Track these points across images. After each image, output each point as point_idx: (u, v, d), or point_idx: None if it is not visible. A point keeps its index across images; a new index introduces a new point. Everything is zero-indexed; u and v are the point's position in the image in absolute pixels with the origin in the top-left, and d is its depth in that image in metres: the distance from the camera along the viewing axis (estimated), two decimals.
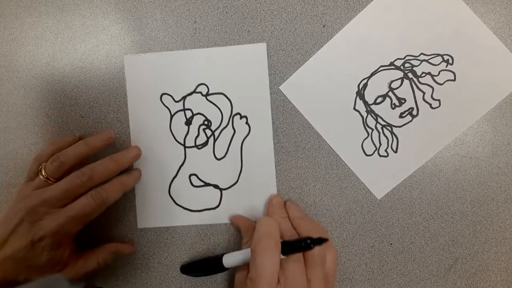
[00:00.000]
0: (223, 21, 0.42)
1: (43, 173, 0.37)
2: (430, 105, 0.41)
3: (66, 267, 0.37)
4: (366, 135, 0.41)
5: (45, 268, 0.36)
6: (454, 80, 0.41)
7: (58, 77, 0.43)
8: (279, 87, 0.42)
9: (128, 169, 0.41)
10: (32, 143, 0.43)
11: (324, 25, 0.42)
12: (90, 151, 0.39)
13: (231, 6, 0.42)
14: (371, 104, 0.41)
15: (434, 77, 0.41)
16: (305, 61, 0.42)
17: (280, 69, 0.42)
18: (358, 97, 0.41)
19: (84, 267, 0.38)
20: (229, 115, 0.42)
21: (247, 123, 0.42)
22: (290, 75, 0.42)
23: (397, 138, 0.41)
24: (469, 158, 0.41)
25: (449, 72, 0.41)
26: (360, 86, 0.41)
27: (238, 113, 0.42)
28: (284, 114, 0.42)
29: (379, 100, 0.41)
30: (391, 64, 0.41)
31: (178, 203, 0.42)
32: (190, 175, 0.42)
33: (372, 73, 0.41)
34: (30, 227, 0.35)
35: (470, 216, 0.41)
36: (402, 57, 0.41)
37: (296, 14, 0.42)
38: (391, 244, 0.41)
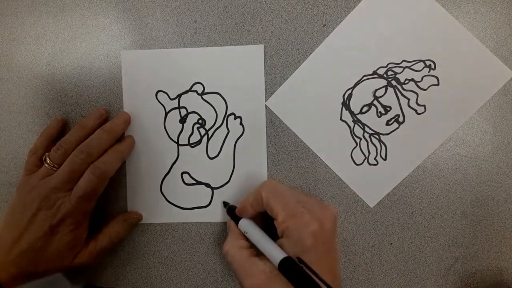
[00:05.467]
0: (223, 21, 0.42)
1: (49, 162, 0.38)
2: (416, 111, 0.41)
3: (82, 250, 0.38)
4: (355, 144, 0.42)
5: (64, 253, 0.37)
6: (438, 84, 0.41)
7: (58, 76, 0.43)
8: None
9: (121, 138, 0.41)
10: (33, 143, 0.43)
11: (325, 25, 0.42)
12: (88, 133, 0.39)
13: (232, 6, 0.42)
14: (357, 114, 0.41)
15: (418, 83, 0.41)
16: (305, 60, 0.42)
17: (280, 68, 0.42)
18: (343, 107, 0.42)
19: (98, 245, 0.39)
20: (223, 115, 0.42)
21: (241, 123, 0.42)
22: (289, 76, 0.42)
23: (385, 145, 0.41)
24: (469, 158, 0.41)
25: (432, 77, 0.41)
26: (345, 97, 0.41)
27: (233, 113, 0.42)
28: (278, 118, 0.42)
29: (364, 109, 0.41)
30: (374, 73, 0.41)
31: (170, 200, 0.43)
32: (182, 173, 0.43)
33: (356, 83, 0.41)
34: (47, 214, 0.36)
35: (470, 216, 0.41)
36: (385, 65, 0.41)
37: (296, 14, 0.42)
38: (391, 243, 0.41)
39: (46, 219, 0.36)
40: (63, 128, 0.43)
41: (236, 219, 0.38)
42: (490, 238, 0.41)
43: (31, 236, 0.36)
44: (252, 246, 0.36)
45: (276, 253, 0.32)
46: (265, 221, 0.38)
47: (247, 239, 0.37)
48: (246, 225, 0.37)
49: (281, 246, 0.33)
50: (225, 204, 0.42)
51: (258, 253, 0.35)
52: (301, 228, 0.33)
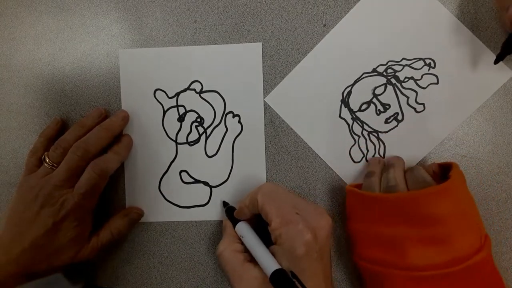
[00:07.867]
0: (223, 21, 0.42)
1: (48, 161, 0.38)
2: (415, 109, 0.41)
3: (84, 247, 0.38)
4: (353, 142, 0.41)
5: (66, 250, 0.37)
6: (437, 83, 0.41)
7: (58, 76, 0.43)
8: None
9: (119, 137, 0.41)
10: (32, 143, 0.43)
11: (325, 25, 0.42)
12: (86, 132, 0.39)
13: (232, 6, 0.42)
14: (356, 111, 0.41)
15: (417, 81, 0.41)
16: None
17: (280, 68, 0.42)
18: (343, 105, 0.41)
19: (99, 242, 0.39)
20: (222, 113, 0.42)
21: (239, 122, 0.42)
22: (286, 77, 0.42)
23: (384, 143, 0.41)
24: (469, 158, 0.41)
25: (432, 75, 0.41)
26: (345, 94, 0.41)
27: (231, 112, 0.42)
28: (277, 117, 0.42)
29: (364, 107, 0.41)
30: (374, 70, 0.41)
31: (168, 199, 0.43)
32: (180, 172, 0.43)
33: (355, 80, 0.41)
34: (50, 211, 0.36)
35: None
36: (384, 63, 0.41)
37: (296, 14, 0.42)
38: None
39: (50, 216, 0.36)
40: (62, 128, 0.43)
41: (234, 221, 0.38)
42: (490, 238, 0.41)
43: (33, 234, 0.36)
44: (246, 251, 0.36)
45: (269, 264, 0.32)
46: (262, 224, 0.38)
47: (242, 243, 0.37)
48: (243, 229, 0.37)
49: (274, 253, 0.33)
50: (224, 204, 0.42)
51: (252, 259, 0.35)
52: (294, 237, 0.32)
